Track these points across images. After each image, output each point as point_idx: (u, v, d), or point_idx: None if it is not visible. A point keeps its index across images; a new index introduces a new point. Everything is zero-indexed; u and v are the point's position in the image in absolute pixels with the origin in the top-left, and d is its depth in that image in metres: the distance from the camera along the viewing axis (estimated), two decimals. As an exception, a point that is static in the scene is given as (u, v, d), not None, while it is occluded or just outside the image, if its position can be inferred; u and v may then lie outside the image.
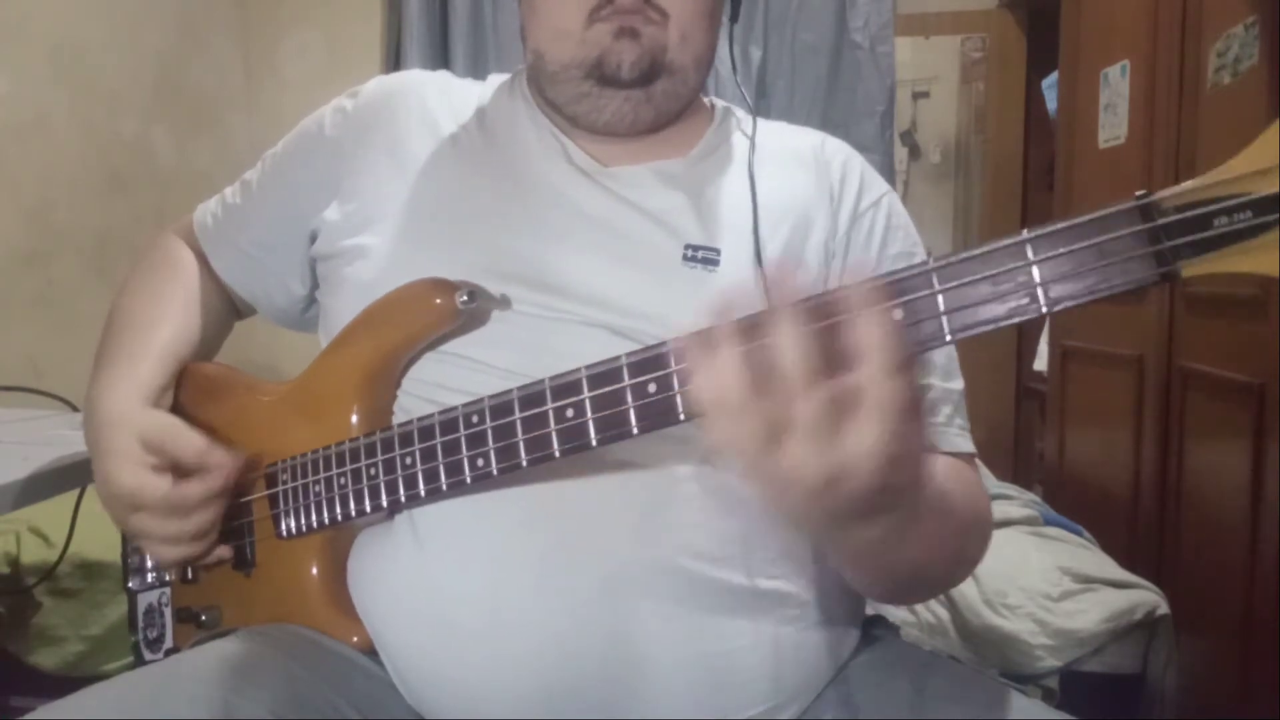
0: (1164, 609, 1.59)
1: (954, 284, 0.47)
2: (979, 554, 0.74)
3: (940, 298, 0.47)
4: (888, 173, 2.49)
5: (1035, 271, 0.45)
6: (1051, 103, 3.22)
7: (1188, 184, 0.43)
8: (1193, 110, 1.89)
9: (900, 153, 3.66)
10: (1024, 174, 3.48)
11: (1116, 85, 2.25)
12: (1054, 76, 2.95)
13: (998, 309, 0.46)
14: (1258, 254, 0.42)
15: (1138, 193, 0.44)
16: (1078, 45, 2.49)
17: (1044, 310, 0.45)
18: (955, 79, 3.77)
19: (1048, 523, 1.90)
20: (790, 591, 0.69)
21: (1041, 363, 2.89)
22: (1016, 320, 0.46)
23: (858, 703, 0.71)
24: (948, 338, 0.47)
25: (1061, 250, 0.45)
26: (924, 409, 0.47)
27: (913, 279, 0.47)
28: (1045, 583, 1.62)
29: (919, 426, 0.48)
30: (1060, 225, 0.45)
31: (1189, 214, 0.43)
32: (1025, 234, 0.45)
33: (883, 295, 0.48)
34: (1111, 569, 1.69)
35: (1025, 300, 0.45)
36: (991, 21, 3.47)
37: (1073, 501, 2.33)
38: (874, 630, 0.79)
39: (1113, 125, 2.26)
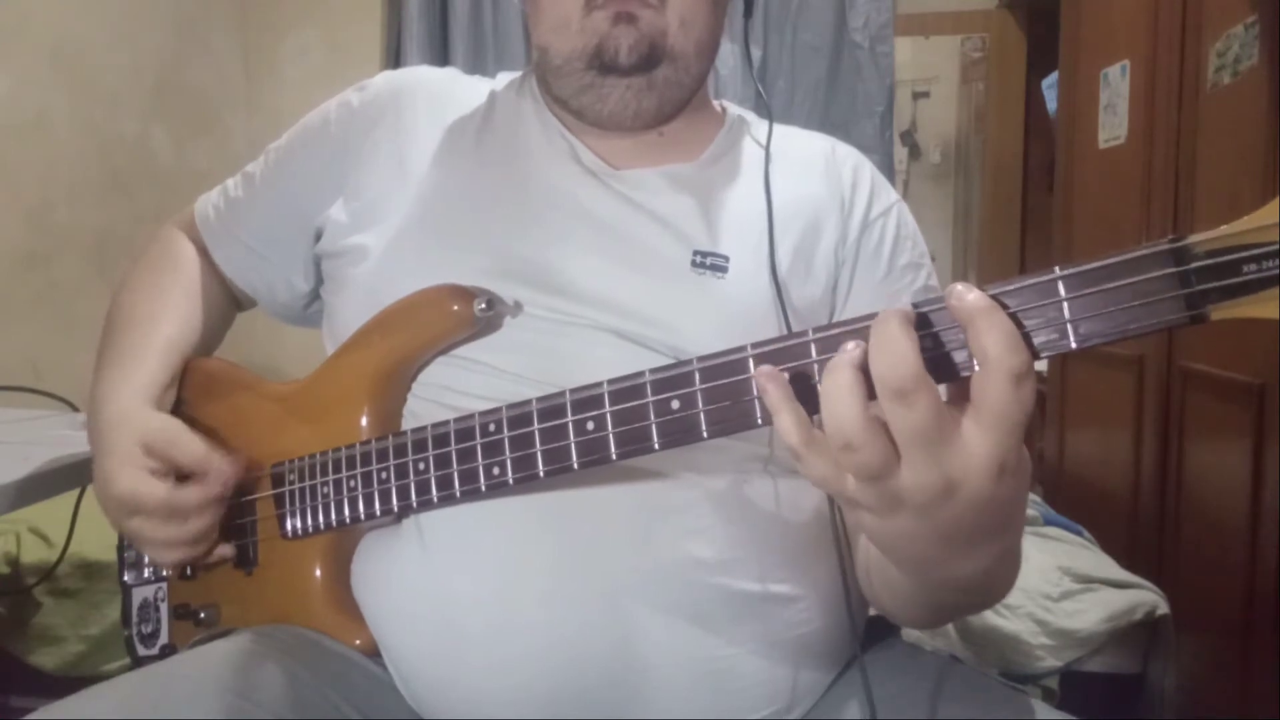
0: (1164, 609, 1.59)
1: None
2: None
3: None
4: (888, 173, 2.49)
5: (1066, 308, 0.45)
6: (1051, 103, 3.22)
7: (1220, 230, 0.43)
8: (1193, 110, 1.89)
9: (900, 153, 3.67)
10: (1024, 174, 3.49)
11: (1116, 85, 2.25)
12: (1054, 76, 2.95)
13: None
14: None
15: (1169, 236, 0.44)
16: (1078, 45, 2.49)
17: (1073, 346, 0.45)
18: (955, 79, 3.78)
19: (1048, 523, 1.90)
20: (796, 595, 0.69)
21: (1041, 363, 2.89)
22: (1046, 355, 0.46)
23: (875, 703, 0.71)
24: (976, 370, 0.47)
25: (1092, 289, 0.45)
26: (1024, 421, 0.45)
27: (943, 311, 0.47)
28: (1045, 583, 1.62)
29: (1020, 438, 0.46)
30: (1092, 265, 0.45)
31: (1219, 259, 0.43)
32: (1057, 271, 0.46)
33: (917, 320, 0.46)
34: (1111, 569, 1.69)
35: (1055, 336, 0.46)
36: (991, 21, 3.47)
37: (1073, 501, 2.33)
38: (876, 631, 0.79)
39: (1113, 125, 2.26)
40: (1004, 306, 0.45)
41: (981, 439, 0.45)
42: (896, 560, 0.54)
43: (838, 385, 0.45)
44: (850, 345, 0.46)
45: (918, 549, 0.50)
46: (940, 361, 0.47)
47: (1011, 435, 0.45)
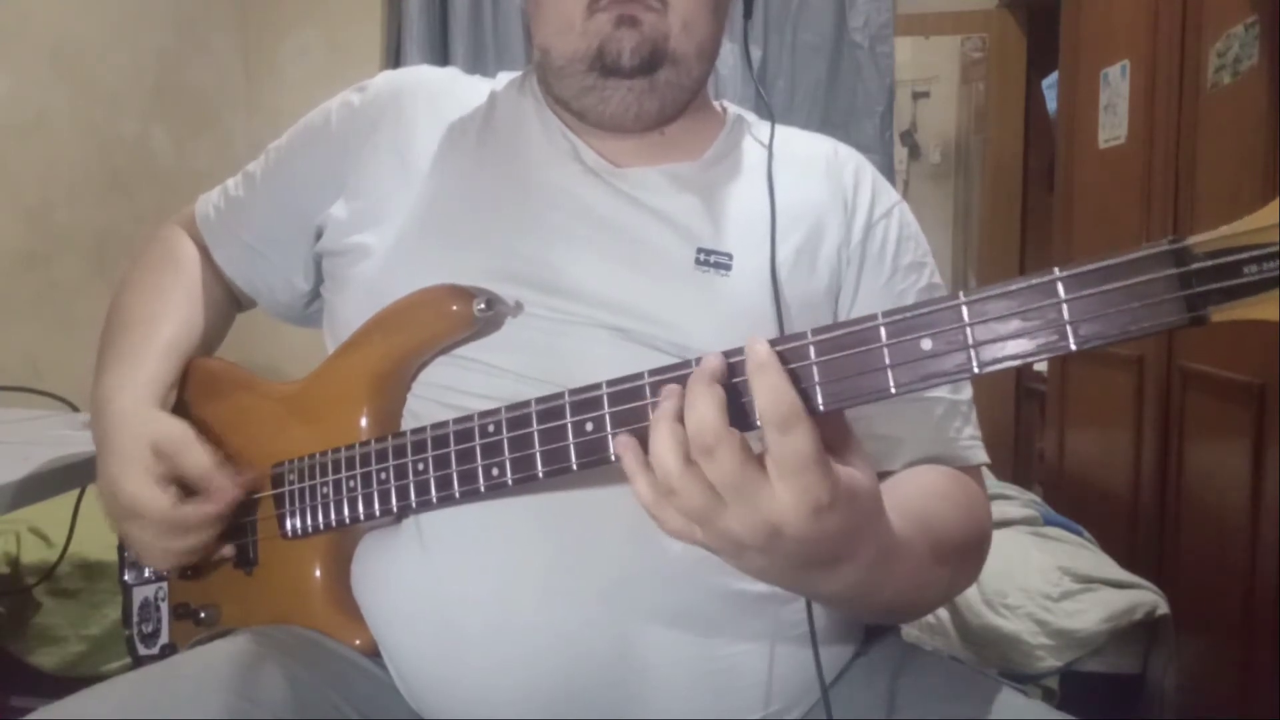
0: (1164, 609, 1.59)
1: (984, 319, 0.47)
2: (973, 574, 0.74)
3: (970, 331, 0.48)
4: (888, 173, 2.49)
5: (1065, 310, 0.46)
6: (1051, 103, 3.22)
7: (1220, 230, 0.43)
8: (1193, 110, 1.89)
9: (900, 153, 3.67)
10: (1024, 174, 3.48)
11: (1116, 85, 2.25)
12: (1054, 76, 2.95)
13: (1027, 344, 0.47)
14: None
15: (1169, 237, 0.44)
16: (1078, 45, 2.49)
17: (1073, 347, 0.45)
18: (955, 79, 3.78)
19: (1048, 523, 1.90)
20: (794, 596, 0.69)
21: (1041, 363, 2.89)
22: (1045, 356, 0.46)
23: (848, 702, 0.71)
24: (975, 370, 0.47)
25: (1092, 290, 0.45)
26: (823, 462, 0.48)
27: (943, 312, 0.48)
28: (1045, 583, 1.62)
29: (825, 479, 0.48)
30: (1091, 266, 0.45)
31: (1219, 261, 0.43)
32: (1057, 272, 0.46)
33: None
34: (1111, 569, 1.69)
35: (1054, 337, 0.46)
36: (991, 21, 3.46)
37: (1073, 501, 2.33)
38: (875, 630, 0.79)
39: (1113, 125, 2.26)
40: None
41: (782, 485, 0.48)
42: (769, 585, 0.58)
43: (659, 436, 0.50)
44: (671, 399, 0.51)
45: (775, 578, 0.55)
46: (743, 410, 0.51)
47: (804, 478, 0.48)
